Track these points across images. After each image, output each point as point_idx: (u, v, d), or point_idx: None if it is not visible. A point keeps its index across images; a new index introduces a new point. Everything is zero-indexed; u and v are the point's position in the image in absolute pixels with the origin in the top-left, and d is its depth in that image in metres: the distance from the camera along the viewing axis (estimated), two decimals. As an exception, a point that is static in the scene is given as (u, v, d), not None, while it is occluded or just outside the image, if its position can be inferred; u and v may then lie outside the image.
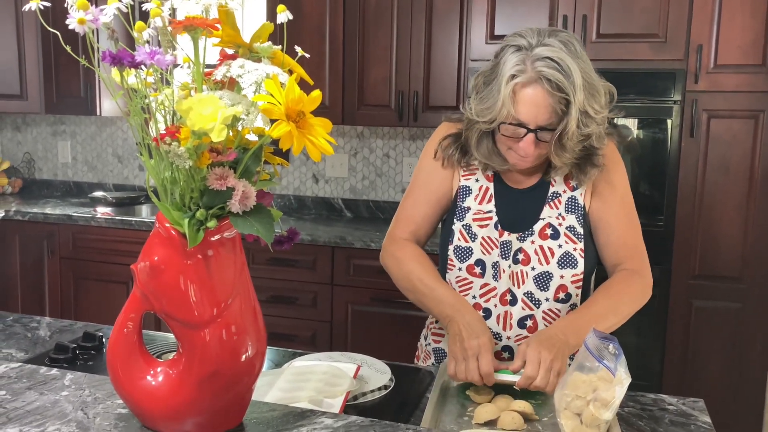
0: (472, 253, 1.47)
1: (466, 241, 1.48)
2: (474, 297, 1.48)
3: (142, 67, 0.82)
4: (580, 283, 1.45)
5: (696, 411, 1.30)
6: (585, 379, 1.11)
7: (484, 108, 1.34)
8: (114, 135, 4.05)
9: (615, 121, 1.48)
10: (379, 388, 1.33)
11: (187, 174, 0.84)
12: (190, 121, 0.78)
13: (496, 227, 1.47)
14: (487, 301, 1.47)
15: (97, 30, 0.86)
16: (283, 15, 0.94)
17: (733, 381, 2.73)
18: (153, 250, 0.87)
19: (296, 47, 0.99)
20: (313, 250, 3.03)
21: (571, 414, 1.12)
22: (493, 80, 1.33)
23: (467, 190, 1.51)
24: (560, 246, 1.44)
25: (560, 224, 1.46)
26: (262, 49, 0.91)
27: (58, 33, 0.93)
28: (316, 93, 0.85)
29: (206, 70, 0.87)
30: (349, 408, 1.24)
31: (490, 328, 1.46)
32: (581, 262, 1.44)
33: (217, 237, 0.87)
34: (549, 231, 1.45)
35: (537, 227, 1.46)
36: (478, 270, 1.47)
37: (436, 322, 1.59)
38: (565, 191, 1.48)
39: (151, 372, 0.90)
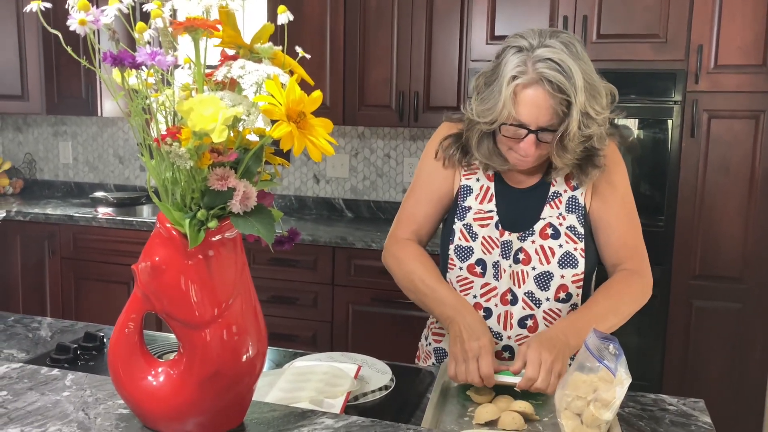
0: (473, 253, 1.47)
1: (467, 240, 1.48)
2: (474, 296, 1.48)
3: (143, 67, 0.82)
4: (581, 283, 1.45)
5: (696, 411, 1.30)
6: (585, 380, 1.11)
7: (485, 109, 1.34)
8: (115, 135, 4.05)
9: (616, 121, 1.48)
10: (380, 389, 1.33)
11: (188, 174, 0.84)
12: (191, 122, 0.78)
13: (496, 227, 1.47)
14: (487, 300, 1.48)
15: (98, 31, 0.86)
16: (284, 16, 0.94)
17: (733, 381, 2.73)
18: (154, 250, 0.88)
19: (297, 48, 0.99)
20: (314, 251, 3.03)
21: (571, 414, 1.12)
22: (494, 81, 1.33)
23: (468, 190, 1.52)
24: (561, 246, 1.44)
25: (561, 224, 1.46)
26: (262, 50, 0.91)
27: (59, 34, 0.93)
28: (317, 93, 0.85)
29: (207, 70, 0.87)
30: (349, 408, 1.24)
31: (491, 328, 1.46)
32: (582, 261, 1.44)
33: (218, 237, 0.87)
34: (549, 231, 1.45)
35: (537, 227, 1.46)
36: (478, 269, 1.47)
37: (437, 321, 1.60)
38: (565, 191, 1.48)
39: (152, 372, 0.91)
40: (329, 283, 3.04)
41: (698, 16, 2.61)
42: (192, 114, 0.78)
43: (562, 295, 1.44)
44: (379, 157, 3.58)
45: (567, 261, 1.44)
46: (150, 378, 0.90)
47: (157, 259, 0.87)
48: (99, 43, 0.86)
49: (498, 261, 1.46)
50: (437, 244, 1.58)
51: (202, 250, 0.86)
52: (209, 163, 0.82)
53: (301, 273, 3.06)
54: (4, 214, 3.44)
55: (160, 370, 0.91)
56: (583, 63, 1.30)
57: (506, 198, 1.50)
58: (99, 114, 3.69)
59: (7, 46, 3.57)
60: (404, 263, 1.50)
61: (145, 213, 3.67)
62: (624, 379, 1.07)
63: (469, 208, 1.50)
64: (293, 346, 2.93)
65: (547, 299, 1.45)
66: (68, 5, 0.84)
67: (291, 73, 0.90)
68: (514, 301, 1.46)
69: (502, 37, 2.39)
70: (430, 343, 1.62)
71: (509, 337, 1.47)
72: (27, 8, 0.92)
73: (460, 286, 1.49)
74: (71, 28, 0.84)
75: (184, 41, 0.86)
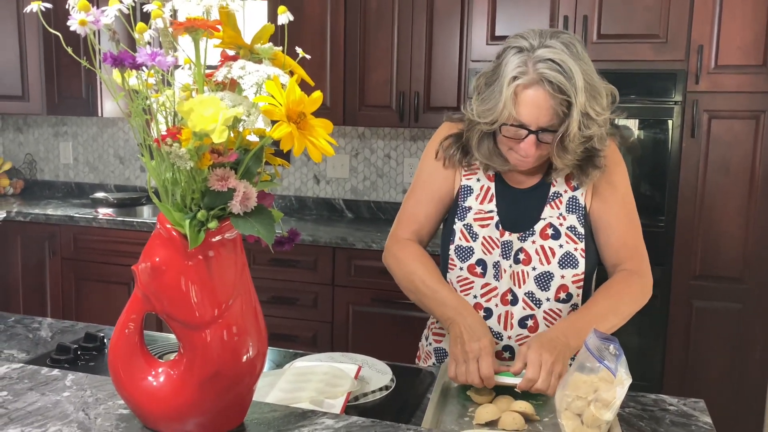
0: (473, 253, 1.47)
1: (467, 240, 1.48)
2: (475, 297, 1.48)
3: (144, 68, 0.82)
4: (581, 283, 1.45)
5: (697, 411, 1.30)
6: (586, 380, 1.11)
7: (486, 109, 1.34)
8: (115, 136, 4.05)
9: (616, 121, 1.48)
10: (380, 389, 1.33)
11: (188, 175, 0.84)
12: (192, 123, 0.78)
13: (497, 227, 1.47)
14: (488, 300, 1.48)
15: (99, 31, 0.86)
16: (284, 16, 0.94)
17: (733, 381, 2.73)
18: (154, 251, 0.88)
19: (297, 48, 0.99)
20: (314, 251, 3.03)
21: (571, 414, 1.12)
22: (494, 81, 1.33)
23: (468, 190, 1.52)
24: (561, 246, 1.44)
25: (561, 224, 1.46)
26: (263, 51, 0.91)
27: (59, 34, 0.93)
28: (317, 94, 0.85)
29: (207, 71, 0.87)
30: (350, 408, 1.24)
31: (491, 328, 1.46)
32: (582, 262, 1.44)
33: (218, 238, 0.87)
34: (550, 231, 1.45)
35: (538, 227, 1.46)
36: (479, 270, 1.47)
37: (437, 322, 1.60)
38: (566, 191, 1.48)
39: (153, 373, 0.91)
40: (329, 284, 3.04)
41: (698, 16, 2.61)
42: (192, 114, 0.78)
43: (562, 295, 1.44)
44: (379, 157, 3.58)
45: (567, 261, 1.44)
46: (150, 378, 0.90)
47: (157, 259, 0.87)
48: (99, 43, 0.86)
49: (498, 261, 1.46)
50: (437, 244, 1.58)
51: (202, 250, 0.86)
52: (209, 163, 0.82)
53: (301, 273, 3.06)
54: (5, 215, 3.44)
55: (160, 370, 0.91)
56: (583, 63, 1.30)
57: (507, 198, 1.50)
58: (99, 114, 3.69)
59: (8, 46, 3.57)
60: (405, 264, 1.50)
61: (146, 213, 3.67)
62: (624, 379, 1.07)
63: (470, 208, 1.50)
64: (293, 347, 2.93)
65: (548, 299, 1.45)
66: (68, 6, 0.84)
67: (291, 73, 0.90)
68: (514, 301, 1.46)
69: (503, 38, 2.39)
70: (430, 344, 1.62)
71: (509, 338, 1.47)
72: (27, 9, 0.92)
73: (461, 286, 1.49)
74: (71, 29, 0.84)
75: (185, 42, 0.86)
